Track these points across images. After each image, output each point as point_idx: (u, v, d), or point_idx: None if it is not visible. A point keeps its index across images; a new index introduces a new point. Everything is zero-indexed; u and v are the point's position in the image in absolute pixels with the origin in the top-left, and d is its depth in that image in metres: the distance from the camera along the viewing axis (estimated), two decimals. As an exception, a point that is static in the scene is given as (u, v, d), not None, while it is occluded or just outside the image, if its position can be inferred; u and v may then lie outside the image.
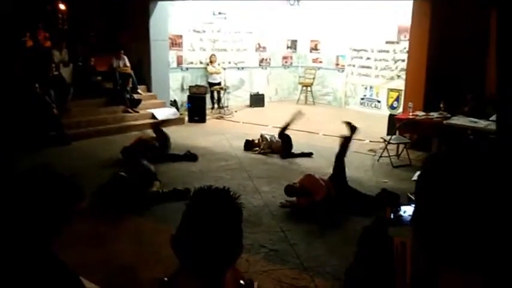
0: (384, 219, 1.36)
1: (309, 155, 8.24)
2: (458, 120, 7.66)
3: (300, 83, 14.96)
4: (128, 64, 11.01)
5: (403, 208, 1.28)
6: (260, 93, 14.03)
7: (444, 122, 7.69)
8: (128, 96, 10.69)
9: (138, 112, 10.72)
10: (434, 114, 8.05)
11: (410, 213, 1.30)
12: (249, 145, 8.55)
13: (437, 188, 1.00)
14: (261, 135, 8.61)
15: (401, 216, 1.28)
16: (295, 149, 8.27)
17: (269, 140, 8.45)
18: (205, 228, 1.24)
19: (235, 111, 12.56)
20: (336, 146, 8.43)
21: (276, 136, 8.39)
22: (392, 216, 1.31)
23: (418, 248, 1.08)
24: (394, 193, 5.84)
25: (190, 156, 7.94)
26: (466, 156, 1.03)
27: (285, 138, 8.16)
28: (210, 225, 1.24)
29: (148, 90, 11.64)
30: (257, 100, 13.82)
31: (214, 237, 1.24)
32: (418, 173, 1.11)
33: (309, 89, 14.56)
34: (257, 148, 8.45)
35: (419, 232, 1.04)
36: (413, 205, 1.16)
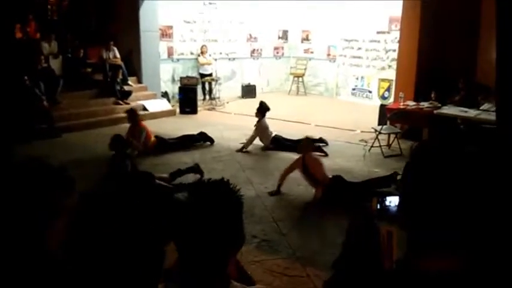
0: (371, 210, 1.39)
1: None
2: (449, 110, 7.72)
3: (291, 74, 14.96)
4: (118, 55, 10.92)
5: (388, 198, 1.29)
6: (252, 84, 14.01)
7: (435, 111, 7.74)
8: (119, 88, 10.63)
9: (128, 104, 10.65)
10: (425, 104, 8.10)
11: (396, 203, 1.32)
12: (264, 109, 8.22)
13: (423, 175, 1.03)
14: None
15: (387, 206, 1.30)
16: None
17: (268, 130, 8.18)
18: (208, 221, 1.24)
19: (227, 103, 12.55)
20: (328, 137, 8.53)
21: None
22: (378, 207, 1.34)
23: (403, 234, 1.11)
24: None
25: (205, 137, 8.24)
26: (451, 145, 1.05)
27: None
28: (212, 218, 1.25)
29: (139, 81, 11.59)
30: (249, 91, 13.81)
31: (216, 230, 1.25)
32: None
33: (300, 79, 14.57)
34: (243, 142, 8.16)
35: (406, 217, 1.07)
36: (400, 193, 1.18)
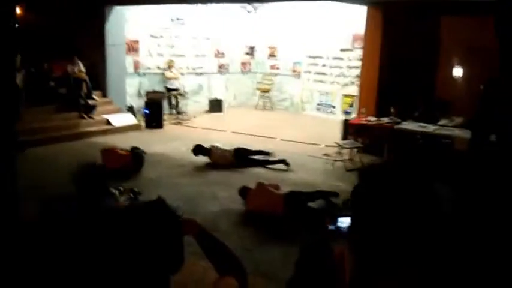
0: (324, 230, 1.46)
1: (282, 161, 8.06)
2: (408, 125, 7.99)
3: (258, 89, 15.11)
4: (83, 69, 10.78)
5: (340, 219, 1.36)
6: (219, 98, 14.08)
7: (395, 126, 8.00)
8: (83, 102, 10.48)
9: (93, 118, 10.53)
10: (386, 120, 8.34)
11: (348, 223, 1.40)
12: (200, 150, 8.13)
13: (368, 199, 1.09)
14: (212, 146, 8.18)
15: (339, 227, 1.36)
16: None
17: (220, 151, 8.09)
18: (134, 240, 1.22)
19: (194, 117, 12.55)
20: (293, 151, 8.66)
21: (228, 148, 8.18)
22: (331, 227, 1.40)
23: (354, 256, 1.16)
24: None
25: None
26: (395, 169, 1.13)
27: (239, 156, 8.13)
28: (139, 236, 1.22)
29: (104, 95, 11.46)
30: (216, 105, 13.87)
31: (143, 249, 1.22)
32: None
33: (267, 94, 14.73)
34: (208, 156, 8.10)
35: (354, 240, 1.13)
36: (350, 215, 1.24)
